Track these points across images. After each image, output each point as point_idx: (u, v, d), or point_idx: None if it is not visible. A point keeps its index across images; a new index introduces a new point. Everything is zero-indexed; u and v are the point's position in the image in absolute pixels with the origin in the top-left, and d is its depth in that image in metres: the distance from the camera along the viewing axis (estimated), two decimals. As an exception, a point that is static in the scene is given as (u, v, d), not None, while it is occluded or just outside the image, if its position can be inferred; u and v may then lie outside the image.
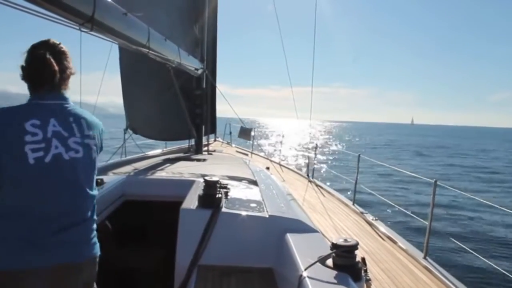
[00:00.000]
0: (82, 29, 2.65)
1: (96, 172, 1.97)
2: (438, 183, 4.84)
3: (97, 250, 1.91)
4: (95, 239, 1.91)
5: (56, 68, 1.78)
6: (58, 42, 1.87)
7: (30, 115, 1.71)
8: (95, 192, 1.92)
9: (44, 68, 1.77)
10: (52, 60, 1.77)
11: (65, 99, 1.87)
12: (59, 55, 1.84)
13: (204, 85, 7.12)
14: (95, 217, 1.92)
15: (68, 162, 1.76)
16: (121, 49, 6.95)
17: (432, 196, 4.77)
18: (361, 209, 6.53)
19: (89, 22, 2.57)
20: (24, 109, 1.75)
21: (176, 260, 2.57)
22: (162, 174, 4.04)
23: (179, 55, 4.88)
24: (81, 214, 1.82)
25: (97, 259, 1.92)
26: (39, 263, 1.67)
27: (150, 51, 3.83)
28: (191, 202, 2.84)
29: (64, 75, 1.86)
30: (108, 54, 7.28)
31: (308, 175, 9.33)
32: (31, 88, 1.83)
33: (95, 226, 1.92)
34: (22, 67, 1.79)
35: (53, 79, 1.79)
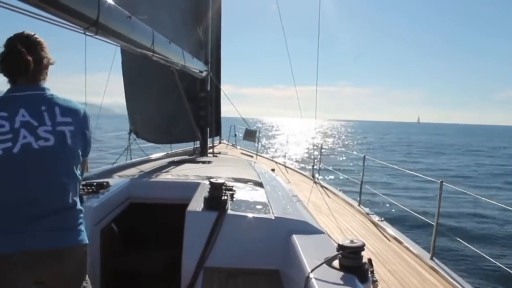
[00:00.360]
0: (87, 33, 2.66)
1: (79, 158, 1.94)
2: (444, 183, 4.82)
3: (83, 238, 1.88)
4: (81, 228, 1.88)
5: (29, 58, 1.78)
6: (32, 33, 1.87)
7: None
8: (75, 180, 1.90)
9: (17, 59, 1.77)
10: (25, 51, 1.77)
11: (42, 89, 1.87)
12: (34, 45, 1.84)
13: (208, 87, 7.13)
14: (78, 206, 1.90)
15: (38, 151, 1.75)
16: (123, 53, 6.94)
17: (438, 196, 4.75)
18: (366, 210, 6.52)
19: (93, 26, 2.58)
20: None
21: (182, 262, 2.57)
22: (167, 176, 4.04)
23: (183, 58, 4.88)
24: (57, 202, 1.81)
25: (84, 248, 1.89)
26: (8, 249, 1.68)
27: (155, 54, 3.83)
28: (196, 204, 2.84)
29: (41, 65, 1.86)
30: (113, 55, 7.22)
31: (313, 176, 9.33)
32: (9, 81, 1.84)
33: (81, 215, 1.91)
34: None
35: (27, 70, 1.79)
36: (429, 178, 5.91)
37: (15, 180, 1.72)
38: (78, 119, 1.92)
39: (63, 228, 1.82)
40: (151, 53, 3.76)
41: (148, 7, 4.67)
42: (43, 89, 1.87)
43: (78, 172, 1.92)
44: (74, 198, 1.88)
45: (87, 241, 1.90)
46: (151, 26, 3.67)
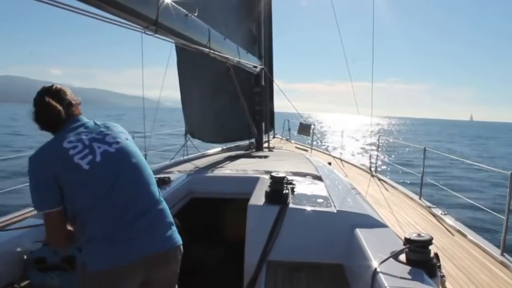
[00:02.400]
0: (147, 32, 2.74)
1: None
2: None
3: (179, 239, 1.98)
4: (175, 227, 1.98)
5: (60, 107, 1.89)
6: (51, 84, 1.98)
7: (62, 139, 1.84)
8: (152, 173, 2.02)
9: (49, 112, 1.87)
10: (53, 102, 1.87)
11: (82, 120, 1.98)
12: (57, 94, 1.93)
13: (263, 82, 7.14)
14: (162, 198, 1.99)
15: (116, 153, 1.88)
16: (179, 54, 6.95)
17: (508, 189, 4.46)
18: (428, 204, 6.27)
19: (153, 25, 2.65)
20: (54, 140, 1.87)
21: (245, 256, 2.59)
22: (226, 171, 4.09)
23: (238, 54, 4.92)
24: (150, 196, 1.91)
25: (181, 247, 1.99)
26: (119, 261, 1.74)
27: (211, 51, 3.88)
28: (258, 198, 2.86)
29: (71, 107, 1.97)
30: (169, 51, 7.10)
31: (370, 170, 9.11)
32: (51, 132, 1.93)
33: (169, 211, 1.98)
34: (36, 119, 1.89)
35: (61, 117, 1.89)
36: (498, 170, 5.56)
37: (109, 186, 1.80)
38: (127, 133, 2.08)
39: (163, 225, 1.91)
40: (208, 50, 3.81)
41: (201, 3, 4.75)
42: (83, 120, 2.00)
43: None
44: (160, 191, 2.00)
45: (181, 241, 1.99)
46: (207, 23, 3.72)
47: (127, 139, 1.99)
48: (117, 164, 1.86)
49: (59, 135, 1.88)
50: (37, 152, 1.82)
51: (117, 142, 1.92)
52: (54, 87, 1.96)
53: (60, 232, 1.82)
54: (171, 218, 1.97)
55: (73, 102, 1.98)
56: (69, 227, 1.86)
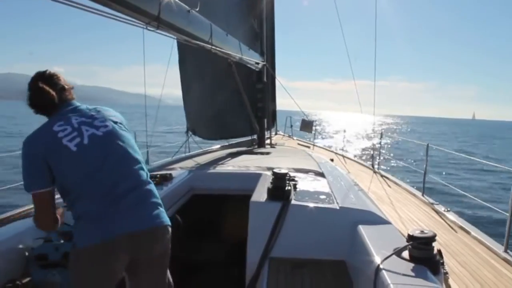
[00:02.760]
0: (149, 28, 2.73)
1: (135, 140, 2.09)
2: None
3: (168, 219, 1.99)
4: (163, 208, 2.00)
5: (53, 92, 1.94)
6: (45, 70, 2.02)
7: (53, 123, 1.91)
8: (141, 156, 2.05)
9: (43, 96, 1.93)
10: (46, 87, 1.92)
11: (74, 104, 2.04)
12: (50, 80, 1.98)
13: (265, 79, 7.12)
14: (150, 180, 2.02)
15: (103, 137, 1.93)
16: (181, 52, 6.95)
17: None
18: (431, 200, 6.25)
19: (155, 21, 2.65)
20: (46, 124, 1.93)
21: (247, 253, 2.58)
22: (228, 168, 4.08)
23: (240, 50, 4.90)
24: (136, 178, 1.94)
25: (169, 228, 2.00)
26: (109, 236, 1.78)
27: (213, 47, 3.87)
28: (260, 195, 2.84)
29: (64, 92, 2.03)
30: (171, 48, 7.09)
31: (373, 166, 9.10)
32: (46, 115, 1.98)
33: (157, 193, 2.00)
34: (30, 104, 1.93)
35: (54, 101, 1.95)
36: (501, 167, 5.53)
37: (96, 167, 1.85)
38: (119, 117, 2.12)
39: (149, 204, 1.93)
40: (210, 46, 3.80)
41: None
42: (75, 104, 2.05)
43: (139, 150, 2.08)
44: (146, 172, 2.02)
45: (169, 222, 2.02)
46: (209, 19, 3.71)
47: (116, 122, 2.03)
48: (104, 146, 1.90)
49: (51, 118, 1.94)
50: (29, 135, 1.88)
51: (105, 126, 1.97)
52: (47, 72, 2.01)
53: (48, 213, 1.86)
54: (159, 199, 1.99)
55: (66, 87, 2.04)
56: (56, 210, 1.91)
